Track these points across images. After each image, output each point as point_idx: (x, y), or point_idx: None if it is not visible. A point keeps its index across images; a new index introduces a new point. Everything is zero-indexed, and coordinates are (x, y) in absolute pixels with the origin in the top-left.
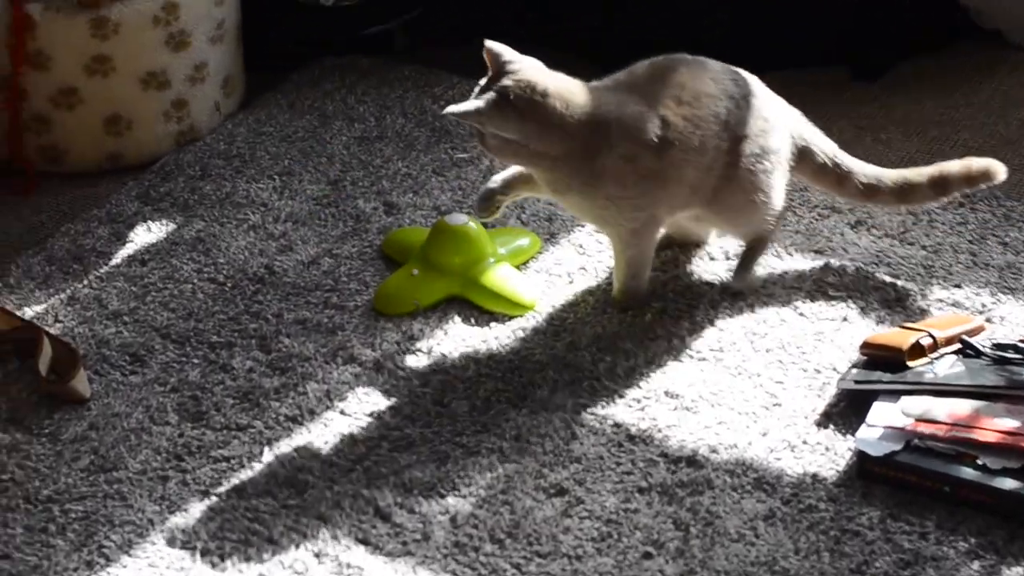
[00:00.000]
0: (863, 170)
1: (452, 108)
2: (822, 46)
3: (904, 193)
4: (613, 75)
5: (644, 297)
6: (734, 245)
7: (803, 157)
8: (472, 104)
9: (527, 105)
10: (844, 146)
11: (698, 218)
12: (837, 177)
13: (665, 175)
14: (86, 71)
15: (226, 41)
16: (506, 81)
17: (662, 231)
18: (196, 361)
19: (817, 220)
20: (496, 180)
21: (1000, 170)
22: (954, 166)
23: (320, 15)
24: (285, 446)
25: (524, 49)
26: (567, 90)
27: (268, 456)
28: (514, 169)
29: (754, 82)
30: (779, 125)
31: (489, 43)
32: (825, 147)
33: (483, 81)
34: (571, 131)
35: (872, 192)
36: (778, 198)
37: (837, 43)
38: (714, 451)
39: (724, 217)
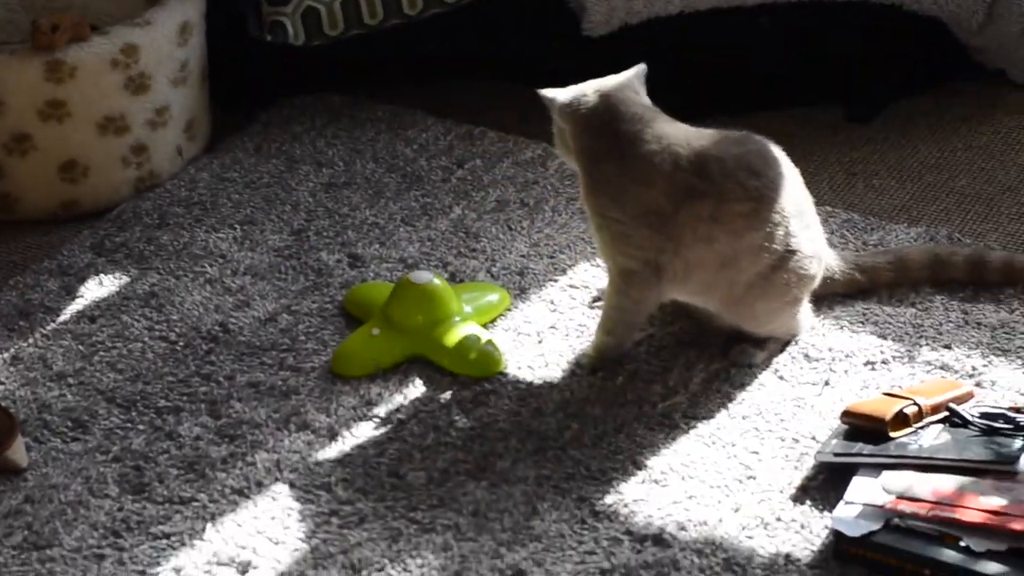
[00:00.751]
0: (883, 258)
1: (544, 91)
2: (815, 84)
3: (936, 268)
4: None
5: (615, 359)
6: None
7: (828, 282)
8: (558, 91)
9: (580, 105)
10: (835, 192)
11: (717, 314)
12: (864, 279)
13: (679, 226)
14: (40, 116)
15: (189, 83)
16: (585, 88)
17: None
18: (141, 428)
19: None
20: None
21: None
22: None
23: (292, 53)
24: (229, 521)
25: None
26: (628, 101)
27: (211, 532)
28: None
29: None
30: (823, 252)
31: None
32: (840, 265)
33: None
34: (604, 136)
35: (902, 269)
36: (804, 319)
37: (831, 81)
38: (683, 528)
39: (747, 319)
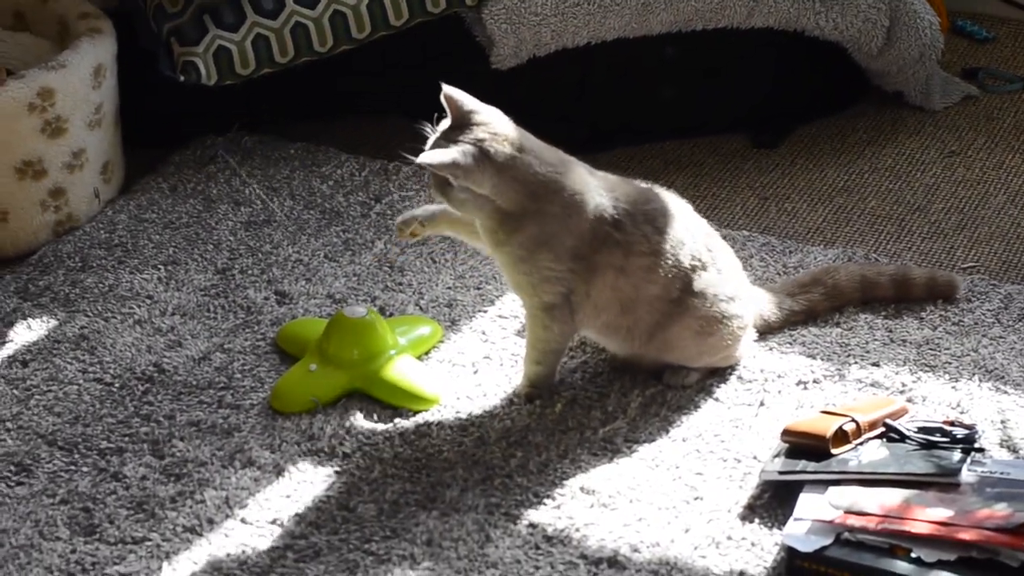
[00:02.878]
0: (817, 292)
1: (428, 158)
2: (721, 112)
3: (866, 289)
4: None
5: (550, 386)
6: None
7: (766, 325)
8: (450, 155)
9: (506, 160)
10: (749, 217)
11: (643, 358)
12: (802, 317)
13: (594, 269)
14: None
15: (104, 125)
16: (481, 134)
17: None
18: (85, 469)
19: None
20: (421, 210)
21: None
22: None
23: (203, 93)
24: (184, 559)
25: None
26: (539, 147)
27: (167, 571)
28: (442, 206)
29: (727, 253)
30: (744, 296)
31: (447, 89)
32: (773, 309)
33: (442, 127)
34: (533, 190)
35: (836, 296)
36: (742, 351)
37: (737, 109)
38: (636, 550)
39: (668, 357)
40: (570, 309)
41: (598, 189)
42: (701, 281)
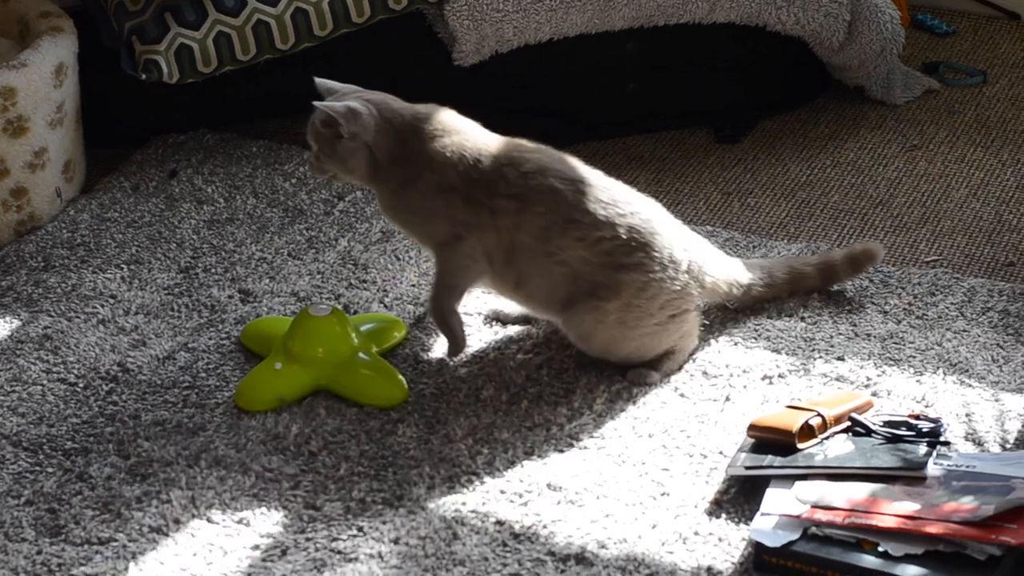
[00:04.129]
0: (759, 277)
1: (328, 105)
2: (684, 107)
3: (795, 282)
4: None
5: (453, 325)
6: None
7: (708, 290)
8: (344, 103)
9: (377, 101)
10: (712, 212)
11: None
12: (742, 294)
13: (477, 211)
14: None
15: (66, 124)
16: (362, 94)
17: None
18: (51, 470)
19: None
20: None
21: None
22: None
23: (165, 92)
24: (151, 559)
25: None
26: (407, 104)
27: (133, 571)
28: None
29: (661, 217)
30: (677, 271)
31: (319, 80)
32: (725, 276)
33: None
34: (400, 130)
35: (771, 289)
36: (656, 342)
37: (699, 104)
38: (603, 547)
39: (578, 338)
40: (465, 248)
41: (476, 137)
42: (628, 253)
